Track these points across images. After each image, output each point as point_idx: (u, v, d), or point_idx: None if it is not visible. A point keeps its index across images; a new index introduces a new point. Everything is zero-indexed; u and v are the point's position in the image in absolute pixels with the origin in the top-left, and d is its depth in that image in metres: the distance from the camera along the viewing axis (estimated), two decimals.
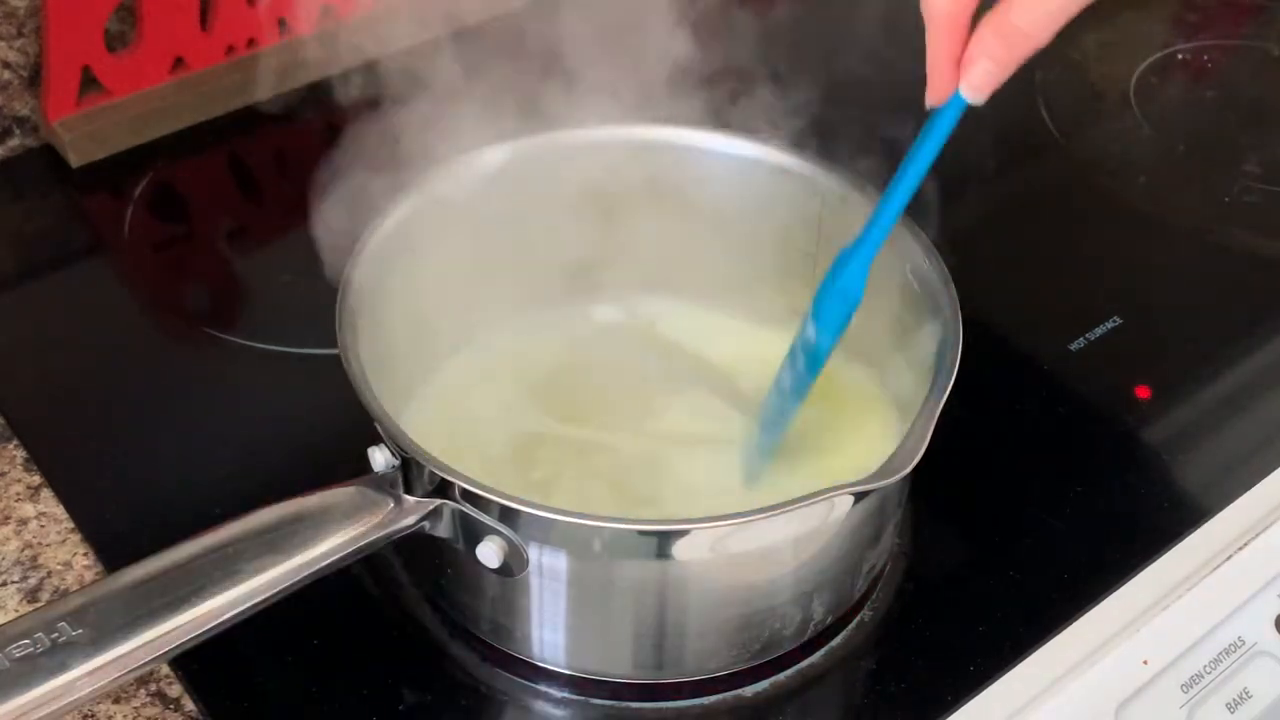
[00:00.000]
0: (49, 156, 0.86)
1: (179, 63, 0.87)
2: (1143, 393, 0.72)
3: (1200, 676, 0.60)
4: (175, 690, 0.58)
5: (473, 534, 0.53)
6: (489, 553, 0.53)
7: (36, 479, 0.66)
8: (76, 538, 0.63)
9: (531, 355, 0.69)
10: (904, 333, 0.61)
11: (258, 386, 0.71)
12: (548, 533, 0.52)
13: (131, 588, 0.49)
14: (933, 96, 0.52)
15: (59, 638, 0.47)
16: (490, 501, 0.51)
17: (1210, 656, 0.61)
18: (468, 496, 0.52)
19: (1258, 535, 0.65)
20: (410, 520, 0.53)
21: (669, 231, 0.69)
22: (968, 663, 0.59)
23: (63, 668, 0.47)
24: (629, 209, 0.68)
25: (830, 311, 0.58)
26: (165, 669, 0.58)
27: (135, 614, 0.49)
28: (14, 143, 0.86)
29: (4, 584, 0.61)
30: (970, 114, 0.52)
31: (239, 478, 0.65)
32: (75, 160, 0.85)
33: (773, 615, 0.56)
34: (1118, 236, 0.75)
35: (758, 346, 0.70)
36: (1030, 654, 0.60)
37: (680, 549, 0.52)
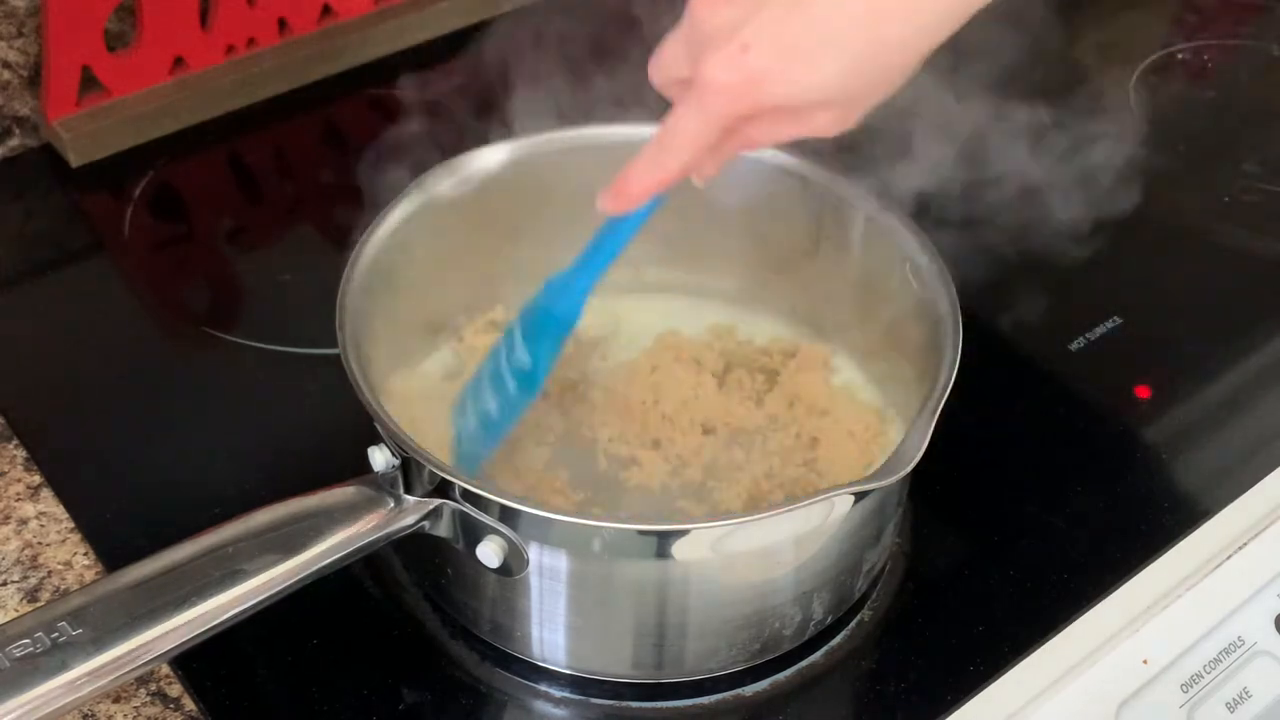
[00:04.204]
0: (49, 156, 0.86)
1: (179, 63, 0.87)
2: (1143, 393, 0.72)
3: (1200, 676, 0.60)
4: (175, 690, 0.58)
5: (473, 534, 0.53)
6: (489, 553, 0.53)
7: (36, 479, 0.66)
8: (76, 538, 0.63)
9: None
10: (903, 333, 0.61)
11: (258, 386, 0.71)
12: (547, 533, 0.52)
13: (131, 588, 0.50)
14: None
15: (59, 638, 0.47)
16: (490, 501, 0.51)
17: (1210, 656, 0.61)
18: (468, 496, 0.52)
19: (1258, 535, 0.65)
20: (410, 520, 0.53)
21: (668, 231, 0.69)
22: (968, 663, 0.59)
23: (63, 668, 0.47)
24: None
25: (546, 337, 0.58)
26: (165, 669, 0.58)
27: (135, 614, 0.49)
28: (14, 143, 0.86)
29: (4, 584, 0.61)
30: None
31: (239, 478, 0.65)
32: (75, 160, 0.85)
33: (773, 615, 0.56)
34: (1118, 236, 0.75)
35: (755, 346, 0.70)
36: (1030, 654, 0.60)
37: (680, 549, 0.52)
